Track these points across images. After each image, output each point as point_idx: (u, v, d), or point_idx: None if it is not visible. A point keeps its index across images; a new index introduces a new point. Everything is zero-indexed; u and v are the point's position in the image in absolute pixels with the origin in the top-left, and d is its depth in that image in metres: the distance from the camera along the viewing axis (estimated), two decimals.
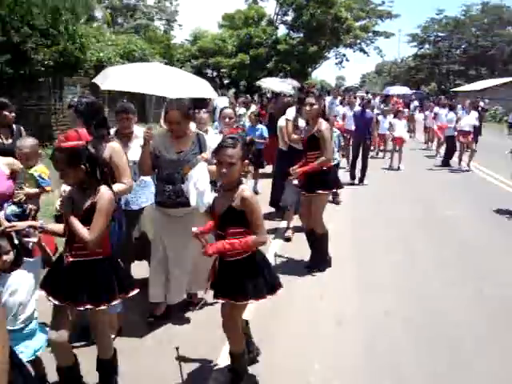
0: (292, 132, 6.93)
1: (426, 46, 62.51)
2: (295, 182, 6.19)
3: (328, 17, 33.81)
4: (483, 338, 4.60)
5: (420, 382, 3.94)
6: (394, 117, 14.96)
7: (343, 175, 11.19)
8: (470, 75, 54.38)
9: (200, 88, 5.20)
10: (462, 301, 5.40)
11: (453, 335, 4.63)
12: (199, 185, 4.24)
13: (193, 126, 5.23)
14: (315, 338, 4.56)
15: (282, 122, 7.33)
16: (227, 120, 6.51)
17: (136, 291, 3.43)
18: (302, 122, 6.85)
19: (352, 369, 4.09)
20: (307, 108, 5.73)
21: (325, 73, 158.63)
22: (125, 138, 4.75)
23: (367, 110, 11.82)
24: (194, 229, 3.56)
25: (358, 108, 12.59)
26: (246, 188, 3.41)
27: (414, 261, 6.66)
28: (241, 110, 11.46)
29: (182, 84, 4.93)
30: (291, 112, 7.22)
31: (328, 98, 16.11)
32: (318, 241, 6.17)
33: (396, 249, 7.11)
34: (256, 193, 9.69)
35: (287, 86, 15.19)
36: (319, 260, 6.19)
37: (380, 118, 15.44)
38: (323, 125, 5.74)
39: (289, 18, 37.63)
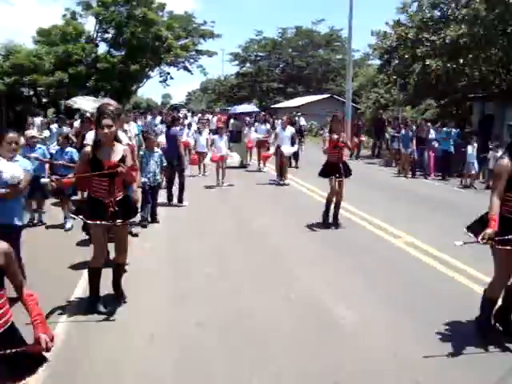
0: None
1: (248, 64, 65.36)
2: None
3: (149, 35, 33.89)
4: (290, 340, 4.86)
5: None
6: (215, 133, 15.19)
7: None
8: (288, 92, 57.98)
9: None
10: (272, 308, 5.66)
11: (264, 340, 4.84)
12: None
13: None
14: (127, 354, 4.51)
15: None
16: (13, 145, 5.50)
17: None
18: None
19: (163, 382, 4.12)
20: (105, 131, 5.13)
21: (151, 91, 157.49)
22: None
23: (172, 128, 11.40)
24: None
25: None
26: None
27: (228, 271, 6.87)
28: (45, 132, 10.79)
29: None
30: (91, 136, 6.39)
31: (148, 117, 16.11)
32: (122, 272, 5.80)
33: (210, 261, 7.27)
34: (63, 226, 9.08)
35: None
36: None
37: (195, 135, 15.72)
38: (126, 147, 5.48)
39: (109, 36, 37.04)
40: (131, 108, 39.69)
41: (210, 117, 24.97)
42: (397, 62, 23.38)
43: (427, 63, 20.39)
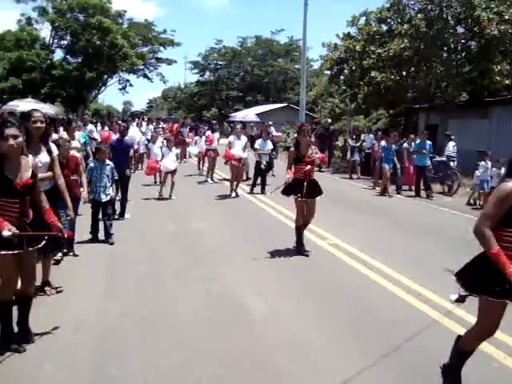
0: None
1: (208, 73, 65.93)
2: None
3: (105, 43, 34.05)
4: (202, 328, 5.33)
5: (144, 375, 4.46)
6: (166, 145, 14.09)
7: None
8: (248, 101, 58.68)
9: None
10: (192, 299, 6.15)
11: (177, 328, 5.30)
12: None
13: None
14: (51, 344, 4.84)
15: None
16: None
17: None
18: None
19: (81, 368, 4.47)
20: (10, 142, 4.31)
21: (112, 98, 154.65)
22: None
23: (125, 138, 11.07)
24: None
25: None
26: None
27: (158, 269, 7.33)
28: None
29: None
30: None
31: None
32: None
33: (144, 260, 7.73)
34: None
35: (48, 110, 14.17)
36: None
37: (150, 145, 15.67)
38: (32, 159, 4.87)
39: (65, 43, 36.99)
40: (91, 115, 39.40)
41: (164, 125, 24.90)
42: (346, 72, 24.14)
43: (372, 75, 21.18)
